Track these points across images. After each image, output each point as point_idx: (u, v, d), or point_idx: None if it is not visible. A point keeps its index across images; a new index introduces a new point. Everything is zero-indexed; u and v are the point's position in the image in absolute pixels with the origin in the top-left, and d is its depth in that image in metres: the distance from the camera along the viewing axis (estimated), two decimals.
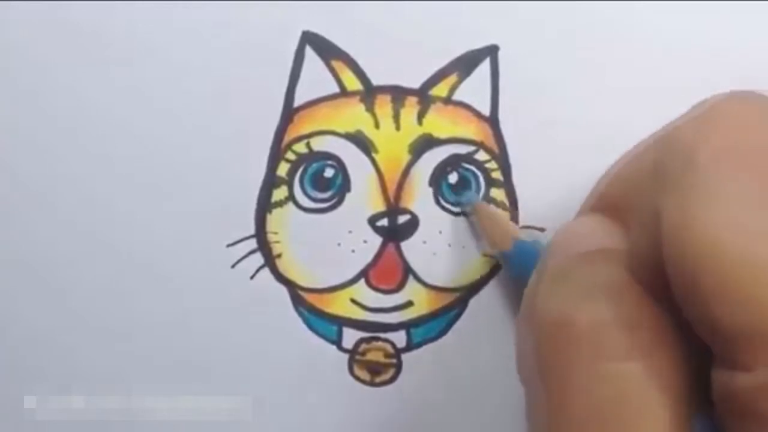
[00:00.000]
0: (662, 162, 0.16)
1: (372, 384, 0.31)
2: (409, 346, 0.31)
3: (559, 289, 0.20)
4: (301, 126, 0.30)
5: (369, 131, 0.30)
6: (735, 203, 0.14)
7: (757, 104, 0.17)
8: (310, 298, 0.30)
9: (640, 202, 0.17)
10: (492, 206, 0.30)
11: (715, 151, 0.15)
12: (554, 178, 0.30)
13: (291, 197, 0.30)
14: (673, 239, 0.15)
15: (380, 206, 0.30)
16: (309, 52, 0.30)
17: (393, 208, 0.30)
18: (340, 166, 0.30)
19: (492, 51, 0.30)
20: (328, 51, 0.30)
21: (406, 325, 0.31)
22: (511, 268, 0.29)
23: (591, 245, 0.20)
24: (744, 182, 0.15)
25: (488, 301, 0.30)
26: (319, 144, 0.30)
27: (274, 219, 0.30)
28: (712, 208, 0.14)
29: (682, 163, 0.15)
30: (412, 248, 0.30)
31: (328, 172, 0.30)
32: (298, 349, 0.30)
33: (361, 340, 0.31)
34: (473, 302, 0.31)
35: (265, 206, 0.30)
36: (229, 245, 0.30)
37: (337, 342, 0.31)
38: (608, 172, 0.23)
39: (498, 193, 0.30)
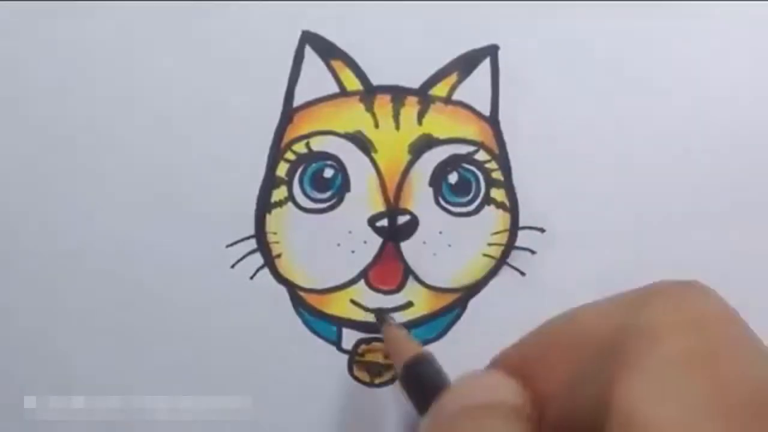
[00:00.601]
0: (625, 340, 0.17)
1: (372, 384, 0.31)
2: None
3: None
4: (301, 126, 0.30)
5: (369, 131, 0.30)
6: (690, 406, 0.15)
7: (723, 305, 0.18)
8: (309, 298, 0.30)
9: (580, 370, 0.18)
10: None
11: (680, 348, 0.16)
12: (554, 178, 0.30)
13: (290, 197, 0.30)
14: (625, 414, 0.15)
15: (380, 206, 0.30)
16: (309, 52, 0.30)
17: (393, 209, 0.30)
18: (340, 167, 0.30)
19: (492, 51, 0.30)
20: (328, 51, 0.30)
21: (406, 326, 0.31)
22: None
23: (480, 398, 0.20)
24: (700, 385, 0.15)
25: (488, 302, 0.30)
26: (319, 144, 0.30)
27: (273, 219, 0.30)
28: (671, 404, 0.15)
29: (646, 345, 0.16)
30: (412, 249, 0.30)
31: (328, 173, 0.30)
32: (298, 349, 0.30)
33: (361, 341, 0.31)
34: (473, 303, 0.31)
35: (264, 206, 0.30)
36: (228, 245, 0.30)
37: (337, 343, 0.31)
38: (522, 338, 0.23)
39: (498, 193, 0.30)
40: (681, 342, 0.16)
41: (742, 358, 0.16)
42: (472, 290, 0.30)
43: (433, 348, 0.30)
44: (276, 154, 0.30)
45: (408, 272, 0.30)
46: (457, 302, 0.30)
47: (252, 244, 0.30)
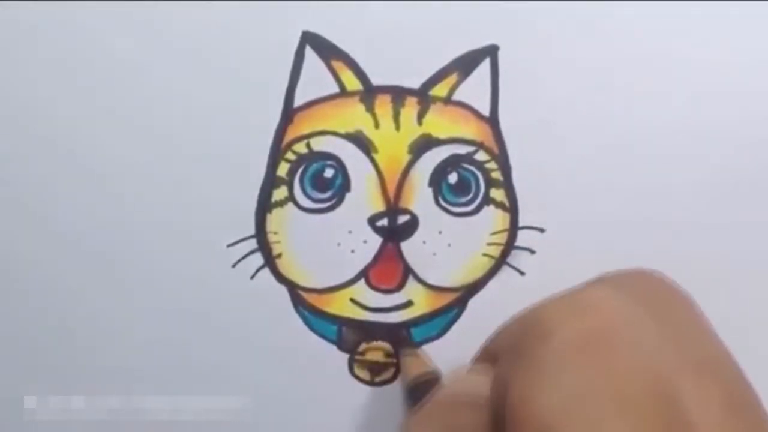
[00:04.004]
0: (523, 336, 0.17)
1: (372, 383, 0.31)
2: None
3: (423, 427, 0.21)
4: (301, 126, 0.30)
5: (369, 131, 0.30)
6: (570, 392, 0.15)
7: (625, 296, 0.18)
8: (310, 298, 0.30)
9: (500, 366, 0.18)
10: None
11: (568, 339, 0.16)
12: (554, 178, 0.30)
13: (291, 197, 0.30)
14: (514, 409, 0.16)
15: (380, 206, 0.30)
16: (309, 52, 0.30)
17: (393, 208, 0.30)
18: (340, 166, 0.30)
19: (492, 51, 0.30)
20: (328, 51, 0.30)
21: (406, 325, 0.31)
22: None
23: (460, 390, 0.20)
24: (583, 373, 0.16)
25: (488, 301, 0.30)
26: (319, 144, 0.30)
27: (274, 219, 0.30)
28: (551, 393, 0.15)
29: (538, 342, 0.16)
30: (411, 248, 0.30)
31: (328, 173, 0.30)
32: (298, 349, 0.31)
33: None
34: (473, 302, 0.31)
35: (265, 206, 0.30)
36: (229, 245, 0.30)
37: (337, 342, 0.31)
38: (501, 326, 0.24)
39: (498, 193, 0.30)
40: (572, 333, 0.16)
41: (638, 349, 0.16)
42: (471, 289, 0.30)
43: (432, 347, 0.31)
44: (276, 154, 0.30)
45: (408, 271, 0.30)
46: (457, 301, 0.30)
47: (252, 243, 0.30)
